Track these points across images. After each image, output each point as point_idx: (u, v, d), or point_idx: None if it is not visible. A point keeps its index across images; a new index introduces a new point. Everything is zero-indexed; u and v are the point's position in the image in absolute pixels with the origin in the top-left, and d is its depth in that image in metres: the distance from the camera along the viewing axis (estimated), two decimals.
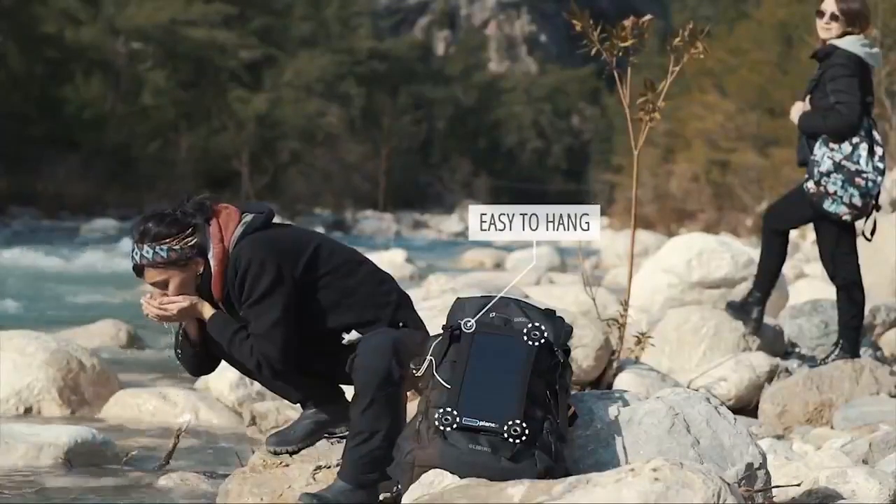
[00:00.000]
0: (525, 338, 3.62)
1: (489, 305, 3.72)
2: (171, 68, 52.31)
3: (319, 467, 4.09)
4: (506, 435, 3.46)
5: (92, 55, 47.50)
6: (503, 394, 3.52)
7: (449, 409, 3.49)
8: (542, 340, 3.62)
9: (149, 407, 6.23)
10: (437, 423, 3.50)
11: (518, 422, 3.47)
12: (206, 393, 6.55)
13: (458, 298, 3.80)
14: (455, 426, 3.48)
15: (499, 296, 3.79)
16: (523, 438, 3.46)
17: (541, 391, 3.57)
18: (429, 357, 3.66)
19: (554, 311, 3.78)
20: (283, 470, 4.09)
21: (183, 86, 52.95)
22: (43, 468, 4.88)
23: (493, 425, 3.47)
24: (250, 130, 52.32)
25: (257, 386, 6.49)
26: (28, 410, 6.23)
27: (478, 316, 3.67)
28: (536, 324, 3.65)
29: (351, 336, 3.95)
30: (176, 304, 3.96)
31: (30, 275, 16.89)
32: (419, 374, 3.66)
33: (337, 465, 4.03)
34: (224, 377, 6.54)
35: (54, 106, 43.25)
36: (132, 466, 5.04)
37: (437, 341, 3.69)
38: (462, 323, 3.65)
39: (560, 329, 3.71)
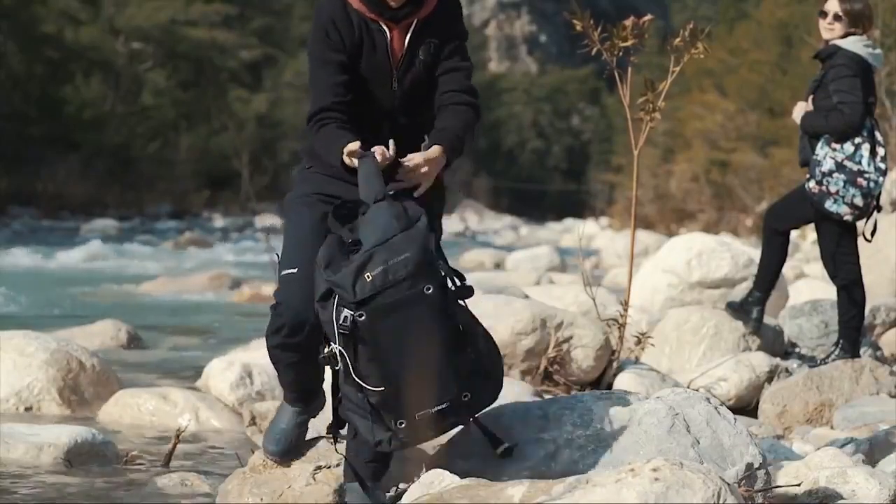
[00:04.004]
0: (416, 295, 3.42)
1: (360, 265, 3.45)
2: (171, 68, 52.36)
3: (319, 467, 4.09)
4: (458, 402, 3.49)
5: (92, 55, 47.51)
6: (436, 375, 3.45)
7: (395, 413, 3.47)
8: (430, 288, 3.43)
9: (149, 407, 6.22)
10: (394, 423, 3.48)
11: (464, 391, 3.48)
12: (206, 393, 6.54)
13: (319, 265, 3.54)
14: (411, 421, 3.48)
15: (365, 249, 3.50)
16: (471, 396, 3.50)
17: (456, 332, 3.49)
18: (337, 349, 3.48)
19: (405, 211, 3.55)
20: (283, 470, 4.09)
21: (183, 86, 52.99)
22: (43, 468, 4.87)
23: (444, 405, 3.47)
24: (250, 130, 52.37)
25: (257, 386, 6.49)
26: (28, 410, 6.23)
27: (357, 286, 3.43)
28: (407, 256, 3.43)
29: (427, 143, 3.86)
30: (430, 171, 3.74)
31: (30, 275, 16.88)
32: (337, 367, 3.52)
33: (338, 465, 4.04)
34: (224, 377, 6.54)
35: (54, 106, 43.26)
36: (132, 466, 5.04)
37: (338, 330, 3.46)
38: (354, 316, 3.44)
39: (419, 239, 3.49)
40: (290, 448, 4.11)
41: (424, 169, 3.72)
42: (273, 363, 3.98)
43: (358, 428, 3.61)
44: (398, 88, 3.85)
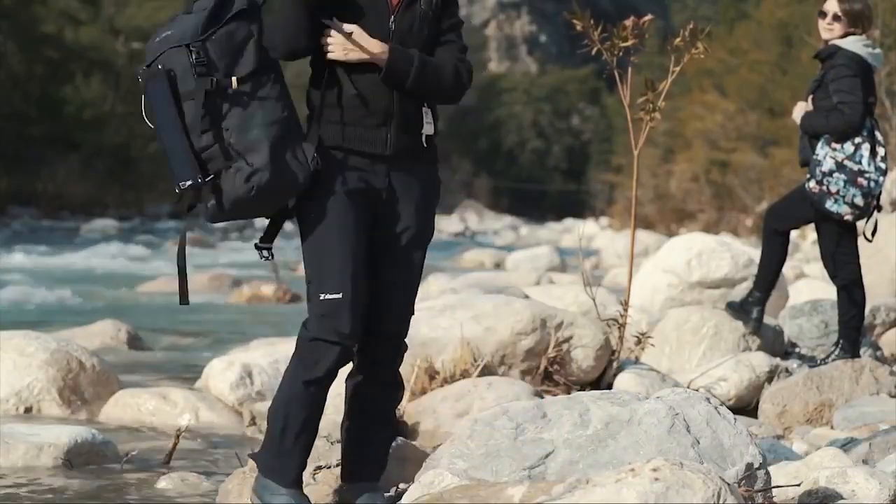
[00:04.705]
0: (155, 71, 3.60)
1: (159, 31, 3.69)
2: None
3: (319, 467, 4.09)
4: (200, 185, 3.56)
5: (92, 55, 47.48)
6: (175, 154, 3.56)
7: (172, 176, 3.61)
8: (161, 66, 3.58)
9: (149, 407, 6.22)
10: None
11: (200, 175, 3.55)
12: (206, 393, 6.54)
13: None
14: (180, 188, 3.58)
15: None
16: (210, 180, 3.56)
17: (199, 113, 3.56)
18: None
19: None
20: None
21: None
22: (43, 468, 4.88)
23: (189, 183, 3.55)
24: None
25: (257, 386, 6.49)
26: (28, 410, 6.23)
27: (149, 50, 3.65)
28: (168, 34, 3.62)
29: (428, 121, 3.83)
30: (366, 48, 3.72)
31: (30, 275, 16.88)
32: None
33: (337, 465, 4.03)
34: (224, 377, 6.54)
35: (54, 106, 43.24)
36: (132, 466, 5.04)
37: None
38: (139, 73, 3.66)
39: (184, 23, 3.63)
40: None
41: (338, 44, 3.78)
42: (287, 419, 3.67)
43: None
44: (395, 29, 3.73)
